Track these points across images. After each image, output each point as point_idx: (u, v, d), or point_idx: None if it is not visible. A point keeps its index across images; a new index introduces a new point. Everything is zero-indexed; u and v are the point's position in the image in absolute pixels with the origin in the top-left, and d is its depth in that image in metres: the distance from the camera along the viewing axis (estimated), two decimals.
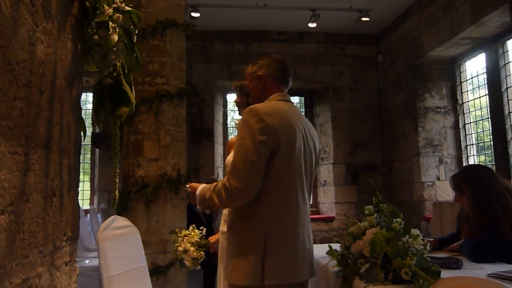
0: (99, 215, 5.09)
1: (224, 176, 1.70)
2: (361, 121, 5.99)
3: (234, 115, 6.54)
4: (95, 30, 0.95)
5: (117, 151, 0.98)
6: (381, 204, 1.69)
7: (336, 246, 1.76)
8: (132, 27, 0.98)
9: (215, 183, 1.55)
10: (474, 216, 1.92)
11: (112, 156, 0.93)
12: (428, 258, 1.41)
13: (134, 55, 1.01)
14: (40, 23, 0.71)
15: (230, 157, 2.12)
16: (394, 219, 1.56)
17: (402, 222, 1.55)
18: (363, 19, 5.20)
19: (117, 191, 0.97)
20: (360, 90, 6.05)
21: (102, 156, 5.82)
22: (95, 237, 4.52)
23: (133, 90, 1.04)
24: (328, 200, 5.98)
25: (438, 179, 5.05)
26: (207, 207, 1.57)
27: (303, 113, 6.29)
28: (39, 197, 0.70)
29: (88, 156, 5.89)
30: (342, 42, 6.10)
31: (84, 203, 5.92)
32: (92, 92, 1.02)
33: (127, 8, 0.96)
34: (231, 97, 6.41)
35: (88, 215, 5.02)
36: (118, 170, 0.97)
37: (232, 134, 6.51)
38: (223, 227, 2.06)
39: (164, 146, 3.39)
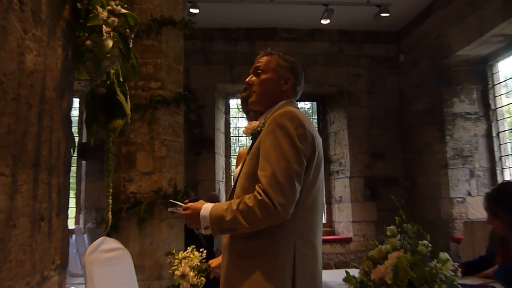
0: (85, 236, 5.10)
1: (230, 192, 1.66)
2: (380, 129, 5.99)
3: (237, 123, 6.59)
4: (87, 35, 0.96)
5: (110, 168, 1.00)
6: (405, 224, 1.68)
7: (354, 272, 1.74)
8: (128, 31, 0.99)
9: (232, 201, 1.47)
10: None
11: (105, 174, 0.94)
12: (459, 286, 1.40)
13: (130, 62, 1.03)
14: (30, 29, 0.73)
15: (236, 171, 2.08)
16: (419, 241, 1.55)
17: (429, 245, 1.54)
18: (382, 14, 5.21)
19: (110, 213, 0.97)
20: (378, 94, 6.07)
21: (89, 169, 5.86)
22: (81, 261, 4.53)
23: (128, 100, 1.06)
24: (344, 219, 5.97)
25: (469, 194, 5.02)
26: (224, 231, 1.48)
27: (315, 120, 6.42)
28: (27, 222, 0.71)
29: (74, 169, 5.93)
30: (358, 41, 6.13)
31: (68, 222, 5.95)
32: (84, 102, 1.03)
33: (123, 10, 0.98)
34: (234, 103, 6.45)
35: (73, 235, 5.03)
36: (111, 190, 0.97)
37: (236, 144, 6.52)
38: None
39: (159, 158, 3.41)
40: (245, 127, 2.15)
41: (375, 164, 5.95)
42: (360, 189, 5.88)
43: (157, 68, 3.52)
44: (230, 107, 6.47)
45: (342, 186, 6.04)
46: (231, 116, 6.49)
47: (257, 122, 1.90)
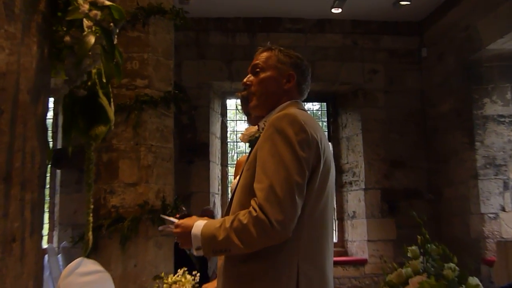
0: (60, 256, 5.08)
1: (226, 207, 1.67)
2: (399, 134, 5.99)
3: (236, 126, 6.61)
4: (66, 30, 0.96)
5: (91, 181, 1.01)
6: (429, 244, 1.69)
7: None
8: (112, 25, 0.99)
9: (226, 218, 1.49)
10: None
11: (85, 188, 0.95)
12: None
13: (114, 60, 1.03)
14: (2, 25, 0.74)
15: (234, 182, 2.12)
16: (445, 264, 1.56)
17: (456, 268, 1.54)
18: (402, 2, 5.24)
19: (90, 232, 0.98)
20: (398, 93, 6.07)
21: (64, 179, 5.84)
22: (54, 286, 4.50)
23: (112, 104, 1.08)
24: (358, 238, 5.96)
25: (503, 210, 5.01)
26: (218, 252, 1.49)
27: (325, 123, 6.42)
28: None
29: (47, 179, 5.91)
30: (374, 32, 6.14)
31: None
32: (62, 105, 1.05)
33: (107, 2, 0.98)
34: (232, 103, 6.48)
35: (46, 256, 5.02)
36: (91, 206, 0.99)
37: (234, 151, 6.55)
38: None
39: (145, 167, 3.42)
40: (242, 133, 2.17)
41: (394, 174, 5.92)
42: (376, 203, 5.86)
43: (143, 63, 3.53)
44: (228, 108, 6.47)
45: (355, 200, 6.02)
46: (228, 118, 6.47)
47: (256, 127, 1.90)
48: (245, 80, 1.74)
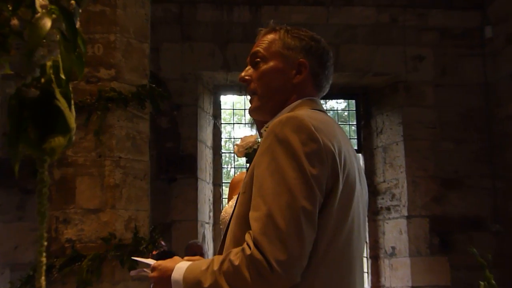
0: None
1: (221, 242, 1.68)
2: (455, 142, 5.97)
3: (232, 132, 6.79)
4: (12, 10, 0.95)
5: (45, 209, 0.98)
6: None
7: None
8: (73, 3, 0.99)
9: (215, 258, 1.50)
10: None
11: (38, 219, 0.97)
12: None
13: (77, 50, 1.03)
14: None
15: (230, 205, 2.18)
16: None
17: None
18: None
19: (43, 277, 0.98)
20: (452, 87, 6.04)
21: (3, 203, 5.83)
22: None
23: (73, 107, 1.05)
24: (399, 283, 5.91)
25: None
26: None
27: (354, 128, 6.39)
28: None
29: None
30: (420, 5, 6.12)
31: None
32: (6, 109, 1.02)
33: None
34: (228, 101, 6.60)
35: None
36: (45, 242, 1.00)
37: (230, 165, 6.60)
38: None
39: (112, 187, 3.45)
40: (237, 144, 2.20)
41: (447, 197, 5.88)
42: (424, 236, 5.81)
43: (109, 47, 3.56)
44: (222, 107, 6.49)
45: (395, 231, 5.98)
46: (223, 121, 6.49)
47: (254, 136, 1.98)
48: (242, 74, 1.77)
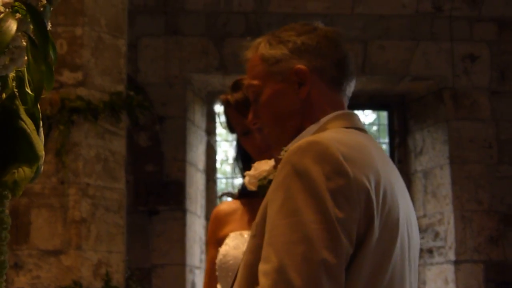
0: None
1: None
2: None
3: (230, 151, 6.55)
4: None
5: (4, 258, 0.98)
6: None
7: None
8: (44, 1, 1.01)
9: None
10: None
11: None
12: None
13: (47, 58, 1.05)
14: None
15: (233, 246, 2.32)
16: None
17: None
18: None
19: None
20: None
21: None
22: None
23: (41, 131, 1.07)
24: None
25: None
26: None
27: (386, 147, 6.42)
28: None
29: None
30: None
31: None
32: None
33: None
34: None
35: None
36: None
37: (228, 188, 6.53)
38: None
39: (77, 223, 3.57)
40: (248, 174, 2.27)
41: (507, 237, 5.68)
42: (477, 286, 5.58)
43: (75, 44, 3.69)
44: (217, 120, 6.24)
45: (440, 281, 5.78)
46: (218, 137, 6.39)
47: (270, 162, 2.12)
48: (249, 119, 1.85)
